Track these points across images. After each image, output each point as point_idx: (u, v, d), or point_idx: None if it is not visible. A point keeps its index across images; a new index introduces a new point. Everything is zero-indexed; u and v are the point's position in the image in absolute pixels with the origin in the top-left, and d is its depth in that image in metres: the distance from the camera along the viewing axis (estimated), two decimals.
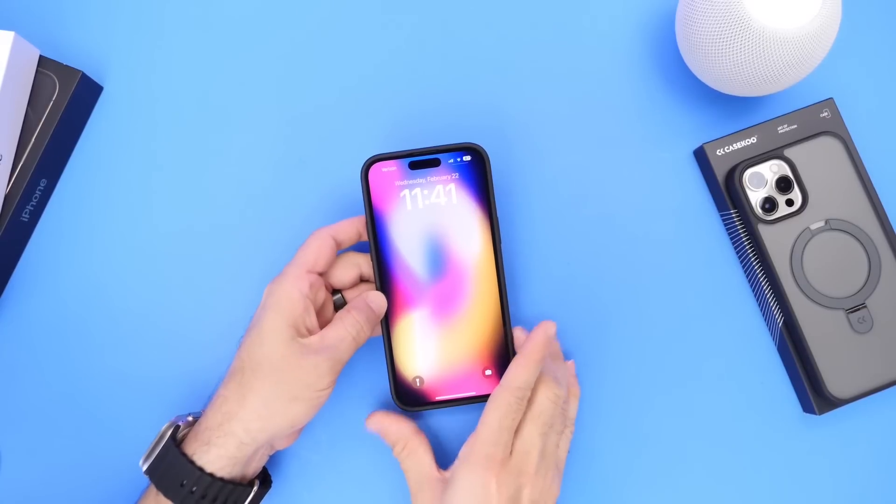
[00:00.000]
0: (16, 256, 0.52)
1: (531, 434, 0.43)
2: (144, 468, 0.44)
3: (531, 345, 0.44)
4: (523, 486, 0.42)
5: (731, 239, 0.52)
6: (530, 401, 0.44)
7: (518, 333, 0.48)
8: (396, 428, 0.47)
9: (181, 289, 0.52)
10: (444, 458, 0.50)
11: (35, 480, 0.50)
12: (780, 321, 0.50)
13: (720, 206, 0.52)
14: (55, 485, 0.50)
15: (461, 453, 0.43)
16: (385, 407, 0.50)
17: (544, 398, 0.44)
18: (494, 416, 0.42)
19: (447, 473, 0.44)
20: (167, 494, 0.42)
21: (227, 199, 0.53)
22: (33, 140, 0.51)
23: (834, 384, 0.48)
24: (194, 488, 0.42)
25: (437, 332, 0.48)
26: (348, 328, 0.44)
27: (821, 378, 0.48)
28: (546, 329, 0.45)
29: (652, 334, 0.51)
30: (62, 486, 0.50)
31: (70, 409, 0.51)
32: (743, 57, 0.45)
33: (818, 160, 0.49)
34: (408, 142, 0.52)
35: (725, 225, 0.52)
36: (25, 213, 0.51)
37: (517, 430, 0.43)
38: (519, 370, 0.43)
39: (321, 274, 0.46)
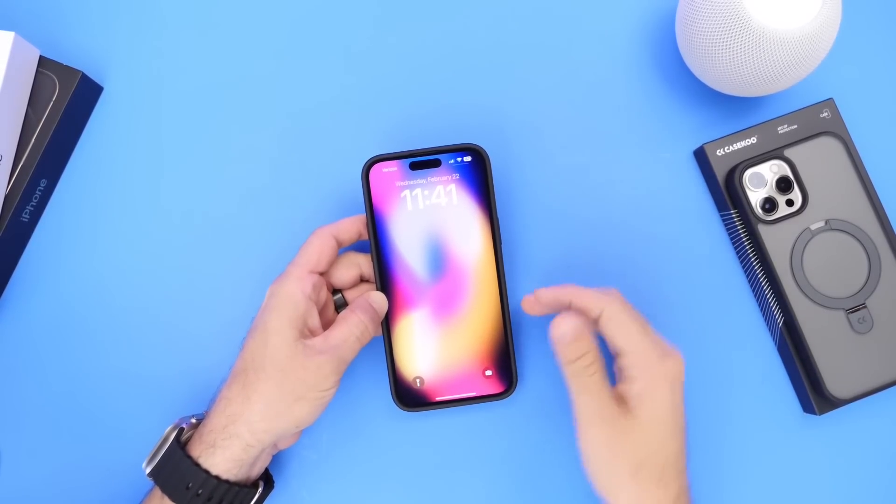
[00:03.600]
0: (16, 256, 0.52)
1: (649, 327, 0.42)
2: (148, 471, 0.44)
3: (558, 287, 0.44)
4: (682, 370, 0.42)
5: (731, 239, 0.52)
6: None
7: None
8: (592, 341, 0.42)
9: (182, 289, 0.52)
10: (446, 459, 0.50)
11: (35, 481, 0.50)
12: (780, 321, 0.50)
13: (720, 206, 0.52)
14: (55, 485, 0.50)
15: (634, 370, 0.41)
16: (385, 407, 0.50)
17: (624, 297, 0.43)
18: (633, 325, 0.41)
19: (620, 398, 0.41)
20: (172, 497, 0.42)
21: (227, 198, 0.53)
22: (33, 140, 0.51)
23: (834, 384, 0.48)
24: (200, 491, 0.42)
25: (437, 332, 0.48)
26: (352, 328, 0.44)
27: (821, 378, 0.48)
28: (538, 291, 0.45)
29: None
30: (63, 487, 0.50)
31: (70, 409, 0.51)
32: (743, 57, 0.45)
33: (818, 160, 0.49)
34: (408, 142, 0.52)
35: (725, 225, 0.52)
36: (25, 213, 0.51)
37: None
38: (586, 293, 0.43)
39: (322, 273, 0.46)
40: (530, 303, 0.46)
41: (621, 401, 0.41)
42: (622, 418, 0.40)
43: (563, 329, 0.41)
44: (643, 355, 0.41)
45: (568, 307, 0.44)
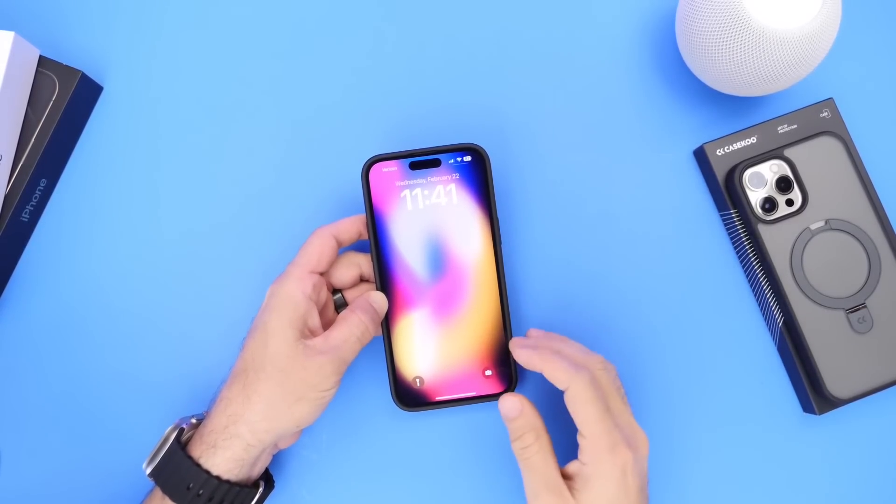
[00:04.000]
0: (16, 256, 0.52)
1: (619, 407, 0.43)
2: (148, 471, 0.43)
3: (538, 348, 0.44)
4: (641, 456, 0.42)
5: (731, 239, 0.52)
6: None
7: (533, 333, 0.48)
8: (533, 419, 0.43)
9: (182, 289, 0.52)
10: (445, 458, 0.50)
11: (35, 481, 0.50)
12: (780, 321, 0.50)
13: (720, 206, 0.52)
14: (55, 486, 0.50)
15: (585, 456, 0.41)
16: (385, 407, 0.50)
17: (600, 374, 0.43)
18: (592, 408, 0.41)
19: (570, 476, 0.42)
20: (173, 497, 0.42)
21: (227, 198, 0.53)
22: (33, 140, 0.51)
23: (834, 384, 0.48)
24: (201, 491, 0.42)
25: (437, 332, 0.48)
26: (353, 329, 0.44)
27: (821, 378, 0.48)
28: (517, 347, 0.45)
29: (652, 334, 0.51)
30: (63, 487, 0.50)
31: (70, 409, 0.51)
32: (743, 57, 0.45)
33: (818, 160, 0.50)
34: (408, 142, 0.52)
35: (725, 225, 0.52)
36: (25, 213, 0.51)
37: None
38: (557, 366, 0.43)
39: (322, 273, 0.46)
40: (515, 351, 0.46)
41: (572, 477, 0.42)
42: (569, 496, 0.41)
43: (507, 407, 0.43)
44: (594, 441, 0.41)
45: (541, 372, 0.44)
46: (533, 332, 0.48)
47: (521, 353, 0.45)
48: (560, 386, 0.42)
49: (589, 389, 0.41)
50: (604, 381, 0.43)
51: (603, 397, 0.42)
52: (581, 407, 0.41)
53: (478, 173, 0.48)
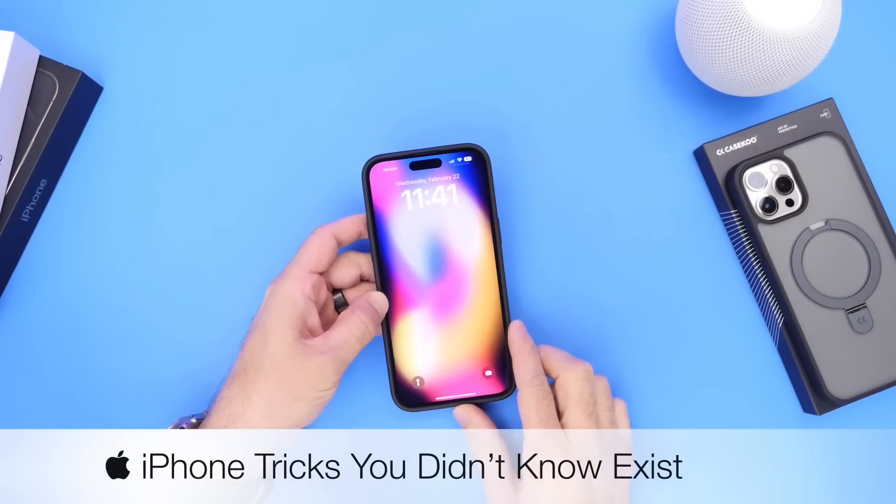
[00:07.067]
0: (16, 256, 0.52)
1: (577, 418, 0.43)
2: None
3: (513, 343, 0.46)
4: (602, 474, 0.42)
5: (731, 239, 0.52)
6: (559, 388, 0.44)
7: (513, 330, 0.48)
8: (478, 431, 0.47)
9: (182, 289, 0.52)
10: (445, 459, 0.50)
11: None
12: (780, 321, 0.50)
13: (720, 206, 0.52)
14: None
15: (524, 458, 0.43)
16: (386, 407, 0.50)
17: (571, 379, 0.44)
18: (530, 414, 0.43)
19: (518, 479, 0.44)
20: None
21: (227, 199, 0.53)
22: (33, 140, 0.51)
23: (834, 384, 0.48)
24: None
25: (437, 332, 0.48)
26: (353, 329, 0.44)
27: (821, 378, 0.48)
28: (515, 327, 0.47)
29: (652, 334, 0.51)
30: None
31: (70, 409, 0.51)
32: (743, 57, 0.45)
33: (818, 160, 0.50)
34: (409, 142, 0.52)
35: (725, 225, 0.52)
36: (25, 213, 0.51)
37: (564, 422, 0.43)
38: (519, 365, 0.45)
39: (322, 273, 0.46)
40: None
41: (521, 477, 0.43)
42: (512, 496, 0.43)
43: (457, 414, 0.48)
44: (527, 447, 0.43)
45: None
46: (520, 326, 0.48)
47: (516, 332, 0.46)
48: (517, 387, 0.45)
49: (527, 394, 0.44)
50: (574, 388, 0.44)
51: (547, 402, 0.43)
52: (522, 414, 0.44)
53: (478, 173, 0.48)
